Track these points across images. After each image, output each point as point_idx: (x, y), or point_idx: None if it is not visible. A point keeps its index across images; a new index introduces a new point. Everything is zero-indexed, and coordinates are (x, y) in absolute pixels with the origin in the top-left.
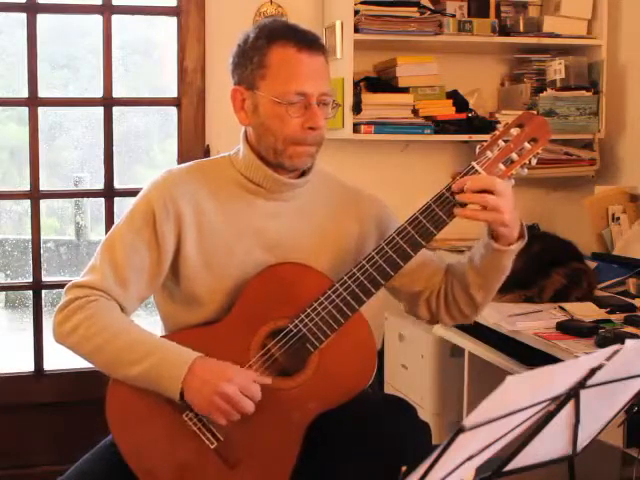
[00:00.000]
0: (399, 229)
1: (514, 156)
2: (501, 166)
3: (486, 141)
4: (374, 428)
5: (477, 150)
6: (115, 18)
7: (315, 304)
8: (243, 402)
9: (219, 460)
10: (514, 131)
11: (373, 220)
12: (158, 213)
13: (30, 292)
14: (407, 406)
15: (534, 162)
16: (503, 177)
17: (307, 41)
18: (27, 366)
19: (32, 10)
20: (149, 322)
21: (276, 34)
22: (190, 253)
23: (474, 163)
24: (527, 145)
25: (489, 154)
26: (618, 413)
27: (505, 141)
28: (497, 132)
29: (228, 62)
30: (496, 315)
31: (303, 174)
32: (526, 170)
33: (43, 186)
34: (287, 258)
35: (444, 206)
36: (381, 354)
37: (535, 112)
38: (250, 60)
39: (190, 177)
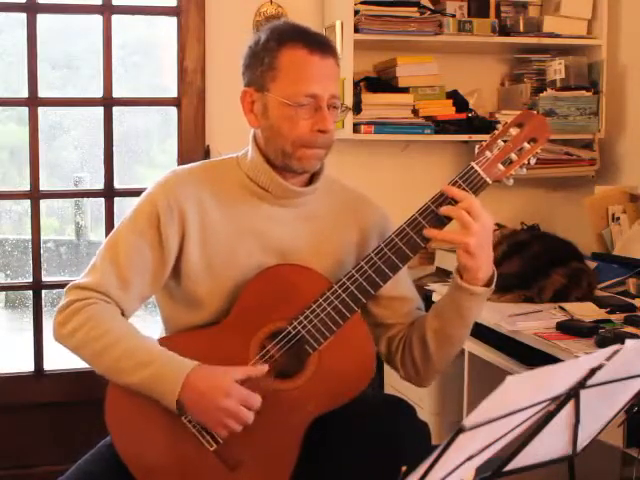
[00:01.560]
0: (397, 231)
1: (513, 156)
2: (500, 166)
3: (486, 141)
4: (374, 428)
5: (476, 150)
6: (115, 18)
7: (314, 306)
8: (244, 414)
9: (219, 462)
10: (513, 131)
11: (374, 230)
12: (162, 214)
13: (30, 292)
14: (407, 406)
15: (533, 162)
16: (502, 177)
17: (318, 43)
18: (27, 366)
19: (32, 10)
20: (149, 322)
21: (287, 36)
22: (192, 254)
23: (473, 163)
24: (526, 145)
25: (488, 154)
26: (618, 413)
27: (504, 141)
28: (496, 132)
29: (239, 64)
30: (496, 315)
31: (311, 181)
32: (525, 170)
33: (43, 186)
34: (287, 262)
35: None
36: None
37: (535, 112)
38: (261, 62)
39: (194, 178)
